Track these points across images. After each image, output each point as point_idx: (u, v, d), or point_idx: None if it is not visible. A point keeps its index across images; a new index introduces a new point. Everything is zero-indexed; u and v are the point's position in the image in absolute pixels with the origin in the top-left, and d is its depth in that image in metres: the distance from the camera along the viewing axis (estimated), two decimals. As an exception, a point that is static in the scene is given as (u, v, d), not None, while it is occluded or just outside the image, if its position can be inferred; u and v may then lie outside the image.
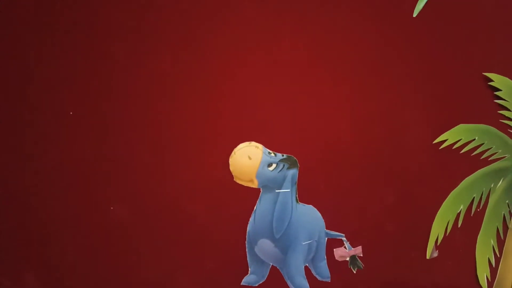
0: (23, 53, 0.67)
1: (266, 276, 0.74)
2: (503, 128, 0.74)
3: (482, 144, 0.73)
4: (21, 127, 0.68)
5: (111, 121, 0.69)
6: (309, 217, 0.72)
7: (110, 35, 0.67)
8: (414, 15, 0.68)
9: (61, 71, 0.67)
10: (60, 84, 0.67)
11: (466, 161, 0.74)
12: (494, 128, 0.73)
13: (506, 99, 0.72)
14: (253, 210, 0.71)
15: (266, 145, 0.70)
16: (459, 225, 0.76)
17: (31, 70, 0.67)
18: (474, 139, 0.73)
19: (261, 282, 0.74)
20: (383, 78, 0.71)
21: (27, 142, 0.69)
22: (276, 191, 0.70)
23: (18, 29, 0.66)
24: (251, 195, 0.71)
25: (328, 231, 0.74)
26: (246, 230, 0.72)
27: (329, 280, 0.75)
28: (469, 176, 0.75)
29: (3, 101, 0.68)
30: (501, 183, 0.76)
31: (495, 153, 0.74)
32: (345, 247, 0.75)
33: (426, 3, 0.68)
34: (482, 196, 0.76)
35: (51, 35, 0.66)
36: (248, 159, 0.68)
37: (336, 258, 0.75)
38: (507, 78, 0.71)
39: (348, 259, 0.75)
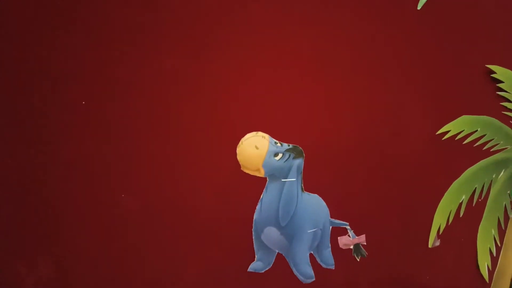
0: (30, 52, 0.67)
1: (272, 263, 0.74)
2: (505, 120, 0.74)
3: (484, 135, 0.74)
4: (34, 122, 0.69)
5: (119, 116, 0.69)
6: (314, 206, 0.73)
7: (119, 35, 0.67)
8: (419, 8, 0.68)
9: (71, 67, 0.67)
10: (70, 80, 0.68)
11: (468, 152, 0.74)
12: (496, 120, 0.74)
13: (508, 91, 0.72)
14: (259, 198, 0.72)
15: (272, 135, 0.70)
16: (461, 215, 0.76)
17: (39, 67, 0.67)
18: (477, 131, 0.73)
19: (267, 269, 0.74)
20: (387, 71, 0.71)
21: (41, 136, 0.69)
22: (282, 180, 0.70)
23: (24, 29, 0.67)
24: (258, 184, 0.71)
25: (332, 219, 0.74)
26: (252, 218, 0.73)
27: (333, 267, 0.76)
28: (471, 167, 0.75)
29: (15, 96, 0.68)
30: (502, 174, 0.76)
31: (497, 144, 0.75)
32: (349, 236, 0.75)
33: None
34: (484, 187, 0.76)
35: (57, 34, 0.67)
36: (255, 148, 0.69)
37: (340, 246, 0.76)
38: (509, 70, 0.71)
39: (352, 247, 0.76)
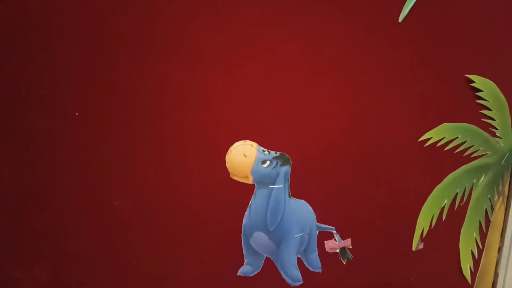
0: (31, 57, 0.68)
1: (261, 267, 0.76)
2: (485, 127, 0.76)
3: (465, 142, 0.76)
4: (31, 128, 0.69)
5: (115, 122, 0.70)
6: (301, 211, 0.74)
7: (116, 41, 0.68)
8: (400, 20, 0.70)
9: (68, 74, 0.68)
10: (67, 86, 0.69)
11: (450, 158, 0.76)
12: (476, 127, 0.75)
13: (487, 99, 0.74)
14: (248, 204, 0.73)
15: (260, 143, 0.72)
16: (444, 219, 0.78)
17: (40, 73, 0.68)
18: (457, 137, 0.75)
19: (256, 272, 0.76)
20: (372, 81, 0.72)
21: (37, 141, 0.70)
22: (270, 186, 0.72)
23: (24, 34, 0.68)
24: (246, 190, 0.73)
25: (319, 224, 0.76)
26: (241, 223, 0.74)
27: (320, 270, 0.78)
28: (453, 172, 0.77)
29: (14, 102, 0.69)
30: (483, 179, 0.78)
31: (477, 150, 0.76)
32: (335, 240, 0.77)
33: (411, 10, 0.69)
34: (465, 191, 0.78)
35: (59, 40, 0.68)
36: (244, 156, 0.70)
37: (327, 250, 0.77)
38: (488, 80, 0.73)
39: (338, 250, 0.77)
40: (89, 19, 0.67)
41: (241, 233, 0.74)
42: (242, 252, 0.75)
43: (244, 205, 0.73)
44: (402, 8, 0.70)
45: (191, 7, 0.68)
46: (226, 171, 0.71)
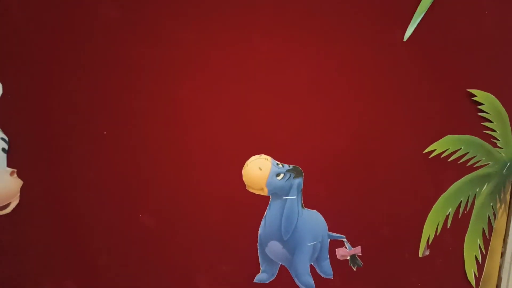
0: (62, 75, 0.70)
1: (276, 274, 0.77)
2: (487, 138, 0.78)
3: (468, 152, 0.77)
4: (62, 147, 0.71)
5: (140, 141, 0.72)
6: (314, 221, 0.76)
7: (132, 64, 0.69)
8: (405, 39, 0.72)
9: (98, 96, 0.70)
10: (97, 107, 0.70)
11: (454, 168, 0.78)
12: (478, 138, 0.77)
13: (488, 112, 0.76)
14: (263, 215, 0.75)
15: (274, 157, 0.73)
16: (448, 226, 0.80)
17: (71, 93, 0.70)
18: (460, 149, 0.77)
19: (271, 280, 0.77)
20: (379, 96, 0.74)
21: (67, 160, 0.71)
22: (284, 198, 0.73)
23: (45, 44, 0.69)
24: (262, 202, 0.74)
25: (330, 233, 0.77)
26: (257, 233, 0.75)
27: (332, 277, 0.79)
28: (457, 182, 0.79)
29: (39, 124, 0.70)
30: (485, 188, 0.80)
31: (480, 160, 0.78)
32: (345, 247, 0.78)
33: (416, 28, 0.71)
34: (469, 200, 0.80)
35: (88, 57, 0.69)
36: (259, 170, 0.72)
37: (338, 257, 0.79)
38: (488, 93, 0.75)
39: (348, 258, 0.79)
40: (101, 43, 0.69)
41: (257, 242, 0.76)
42: (258, 260, 0.77)
43: (260, 215, 0.75)
44: (406, 27, 0.72)
45: (202, 24, 0.69)
46: (242, 184, 0.73)
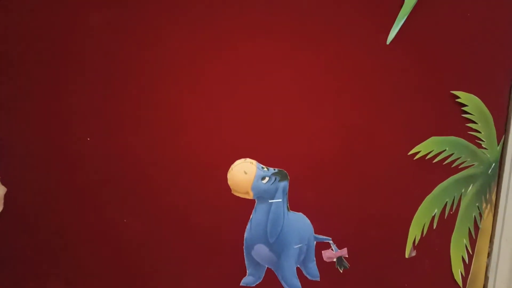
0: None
1: (262, 277, 0.78)
2: (471, 139, 0.78)
3: (453, 153, 0.78)
4: (45, 149, 0.71)
5: (124, 145, 0.72)
6: (299, 223, 0.76)
7: (123, 67, 0.70)
8: (388, 43, 0.73)
9: (83, 101, 0.70)
10: (81, 111, 0.71)
11: (439, 170, 0.78)
12: (463, 139, 0.77)
13: (472, 113, 0.76)
14: (249, 219, 0.75)
15: (259, 161, 0.74)
16: (434, 227, 0.80)
17: (57, 93, 0.70)
18: (445, 150, 0.77)
19: (258, 283, 0.78)
20: (364, 99, 0.75)
21: (51, 164, 0.72)
22: (269, 201, 0.74)
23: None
24: (247, 205, 0.75)
25: (316, 235, 0.78)
26: (243, 236, 0.76)
27: (318, 279, 0.79)
28: (442, 183, 0.79)
29: (35, 128, 0.71)
30: (471, 188, 0.80)
31: (465, 161, 0.78)
32: (332, 249, 0.79)
33: (399, 31, 0.72)
34: (454, 200, 0.80)
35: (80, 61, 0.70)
36: (244, 173, 0.72)
37: (324, 259, 0.79)
38: (472, 95, 0.75)
39: (335, 260, 0.79)
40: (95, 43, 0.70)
41: (243, 245, 0.76)
42: (245, 264, 0.77)
43: (246, 219, 0.75)
44: (389, 31, 0.72)
45: (195, 32, 0.69)
46: (228, 188, 0.73)
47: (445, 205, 0.80)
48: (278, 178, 0.74)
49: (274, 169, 0.74)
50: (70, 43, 0.69)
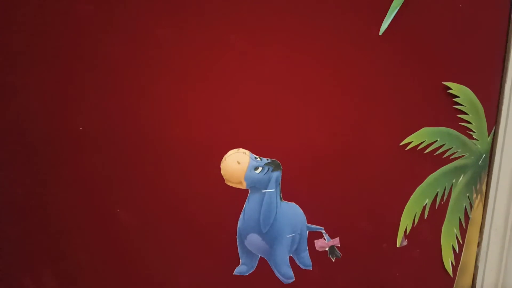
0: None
1: (255, 266, 0.78)
2: (462, 130, 0.78)
3: (444, 144, 0.78)
4: (36, 139, 0.71)
5: (116, 134, 0.72)
6: (292, 213, 0.77)
7: (117, 54, 0.69)
8: (380, 34, 0.73)
9: (75, 92, 0.70)
10: (72, 103, 0.70)
11: (430, 160, 0.79)
12: (454, 130, 0.78)
13: (463, 104, 0.77)
14: (242, 208, 0.75)
15: (252, 151, 0.74)
16: (425, 217, 0.81)
17: (45, 83, 0.70)
18: (437, 141, 0.78)
19: (251, 272, 0.78)
20: (355, 91, 0.75)
21: (43, 154, 0.71)
22: (262, 191, 0.74)
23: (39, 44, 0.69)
24: (241, 195, 0.75)
25: (309, 225, 0.78)
26: (236, 226, 0.76)
27: (311, 268, 0.80)
28: (433, 173, 0.80)
29: (25, 117, 0.70)
30: (461, 179, 0.81)
31: (456, 152, 0.79)
32: (324, 239, 0.79)
33: (391, 23, 0.72)
34: (445, 191, 0.81)
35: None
36: (237, 163, 0.72)
37: (317, 248, 0.80)
38: (463, 86, 0.76)
39: (327, 249, 0.80)
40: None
41: (236, 235, 0.76)
42: (238, 253, 0.77)
43: (239, 209, 0.76)
44: (381, 22, 0.72)
45: (180, 22, 0.69)
46: (221, 178, 0.73)
47: (436, 195, 0.81)
48: (271, 168, 0.74)
49: (267, 159, 0.74)
50: (69, 36, 0.68)
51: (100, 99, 0.70)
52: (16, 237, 0.74)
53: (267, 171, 0.74)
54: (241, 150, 0.74)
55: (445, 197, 0.81)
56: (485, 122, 0.79)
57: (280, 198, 0.76)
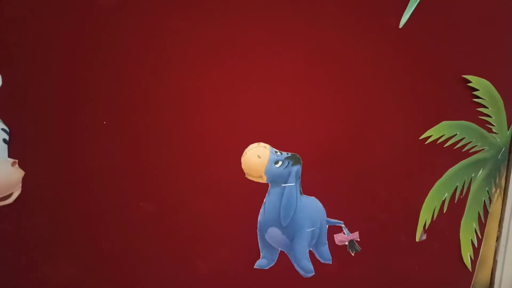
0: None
1: (276, 260, 0.78)
2: (482, 124, 0.78)
3: (463, 138, 0.78)
4: (64, 134, 0.72)
5: (142, 131, 0.72)
6: (312, 207, 0.77)
7: (132, 56, 0.70)
8: (400, 26, 0.73)
9: (98, 87, 0.70)
10: (96, 97, 0.71)
11: (449, 154, 0.79)
12: (474, 124, 0.78)
13: (483, 97, 0.77)
14: (263, 202, 0.76)
15: (273, 145, 0.74)
16: (445, 211, 0.81)
17: (70, 85, 0.70)
18: (456, 134, 0.78)
19: (271, 265, 0.79)
20: (375, 84, 0.75)
21: (70, 148, 0.72)
22: (283, 185, 0.74)
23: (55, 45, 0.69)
24: (261, 189, 0.75)
25: (328, 219, 0.78)
26: (257, 220, 0.76)
27: (330, 262, 0.80)
28: (452, 167, 0.80)
29: (51, 112, 0.71)
30: (481, 173, 0.81)
31: (475, 146, 0.79)
32: (344, 233, 0.79)
33: (411, 16, 0.72)
34: (464, 185, 0.81)
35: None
36: (258, 158, 0.73)
37: (336, 242, 0.80)
38: (483, 79, 0.76)
39: (347, 243, 0.80)
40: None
41: (257, 229, 0.77)
42: (258, 247, 0.78)
43: (259, 203, 0.76)
44: (401, 14, 0.72)
45: (198, 16, 0.69)
46: (242, 172, 0.74)
47: (455, 189, 0.81)
48: (291, 162, 0.74)
49: (288, 153, 0.74)
50: (83, 31, 0.69)
51: (118, 92, 0.71)
52: (39, 232, 0.75)
53: (287, 165, 0.74)
54: (262, 144, 0.74)
55: (464, 191, 0.81)
56: (505, 116, 0.79)
57: (300, 192, 0.76)
